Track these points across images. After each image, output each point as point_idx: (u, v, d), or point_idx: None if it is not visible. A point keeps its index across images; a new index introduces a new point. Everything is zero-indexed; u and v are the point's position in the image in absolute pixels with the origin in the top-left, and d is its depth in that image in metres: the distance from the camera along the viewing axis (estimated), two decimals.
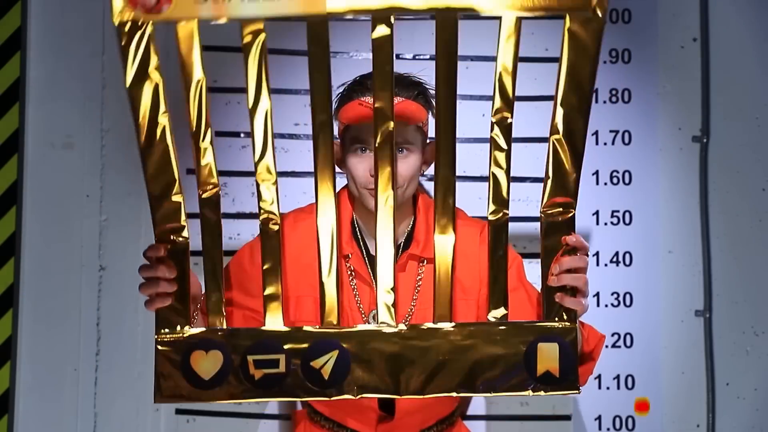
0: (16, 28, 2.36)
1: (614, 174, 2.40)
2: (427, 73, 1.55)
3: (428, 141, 1.70)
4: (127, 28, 1.24)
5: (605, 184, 2.40)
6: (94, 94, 2.38)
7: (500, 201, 1.42)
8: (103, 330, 2.38)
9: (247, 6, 1.24)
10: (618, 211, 2.40)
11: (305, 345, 1.44)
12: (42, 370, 2.35)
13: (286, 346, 1.44)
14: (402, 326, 1.45)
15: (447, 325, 1.45)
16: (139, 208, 2.38)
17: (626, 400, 2.38)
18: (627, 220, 2.40)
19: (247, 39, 1.30)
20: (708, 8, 2.41)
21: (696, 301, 2.40)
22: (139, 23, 1.24)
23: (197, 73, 1.33)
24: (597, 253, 2.38)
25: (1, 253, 2.34)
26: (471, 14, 1.25)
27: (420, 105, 1.64)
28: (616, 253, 2.40)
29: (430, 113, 1.68)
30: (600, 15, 1.28)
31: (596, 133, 2.40)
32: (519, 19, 1.30)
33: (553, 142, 1.39)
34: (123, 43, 1.26)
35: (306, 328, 1.45)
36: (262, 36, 1.29)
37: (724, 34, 2.42)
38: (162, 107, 1.32)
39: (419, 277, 1.68)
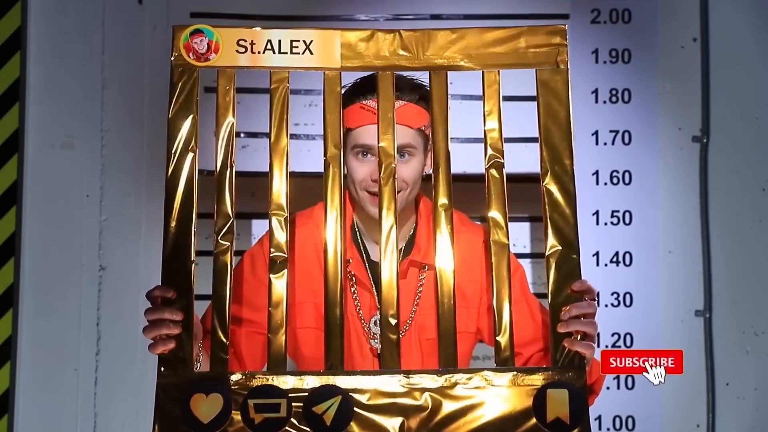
0: (16, 28, 2.35)
1: (614, 174, 2.40)
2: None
3: (430, 144, 1.68)
4: (180, 70, 1.49)
5: (605, 184, 2.40)
6: (94, 94, 2.38)
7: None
8: (103, 330, 2.37)
9: (276, 58, 1.51)
10: (618, 211, 2.40)
11: (307, 390, 1.41)
12: (42, 370, 2.34)
13: (288, 390, 1.41)
14: (407, 375, 1.42)
15: (453, 372, 1.43)
16: (139, 208, 2.38)
17: (626, 400, 2.37)
18: (627, 220, 2.40)
19: (275, 85, 1.51)
20: (708, 8, 2.41)
21: (696, 301, 2.40)
22: (190, 67, 1.49)
23: (230, 116, 1.49)
24: (597, 253, 2.38)
25: (1, 253, 2.34)
26: (458, 70, 1.52)
27: (422, 108, 1.62)
28: (616, 253, 2.39)
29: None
30: (563, 67, 1.49)
31: (596, 133, 2.40)
32: (498, 72, 1.52)
33: (545, 186, 1.47)
34: (174, 80, 1.49)
35: (309, 373, 1.43)
36: (287, 84, 1.51)
37: (724, 34, 2.42)
38: (193, 142, 1.47)
39: (420, 284, 1.65)
